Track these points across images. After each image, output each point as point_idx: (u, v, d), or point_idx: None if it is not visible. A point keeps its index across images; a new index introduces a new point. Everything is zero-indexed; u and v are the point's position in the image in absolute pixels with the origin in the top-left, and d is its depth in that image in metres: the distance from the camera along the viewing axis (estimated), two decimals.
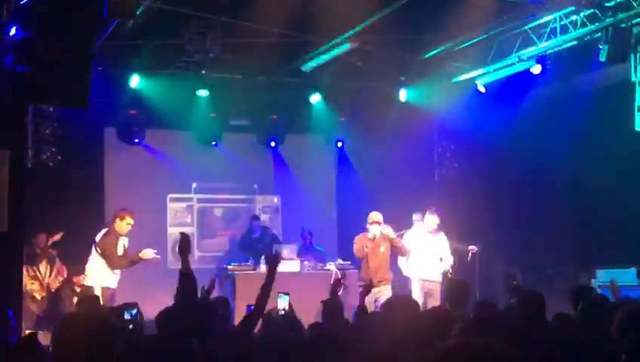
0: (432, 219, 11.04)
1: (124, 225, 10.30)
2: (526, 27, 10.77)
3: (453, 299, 6.79)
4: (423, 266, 11.03)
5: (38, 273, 11.22)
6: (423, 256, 11.05)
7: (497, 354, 2.06)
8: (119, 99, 12.76)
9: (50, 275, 11.31)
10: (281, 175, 15.01)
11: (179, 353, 3.36)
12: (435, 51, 11.71)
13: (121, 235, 10.34)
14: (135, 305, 6.17)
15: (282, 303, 6.07)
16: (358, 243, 10.80)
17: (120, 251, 10.35)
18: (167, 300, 6.24)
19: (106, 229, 10.38)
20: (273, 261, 5.80)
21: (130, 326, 5.80)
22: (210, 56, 10.99)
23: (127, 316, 5.95)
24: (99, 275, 10.19)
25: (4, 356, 3.38)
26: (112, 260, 10.14)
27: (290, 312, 6.11)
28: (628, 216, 10.95)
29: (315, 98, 13.41)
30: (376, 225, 10.68)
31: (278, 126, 14.59)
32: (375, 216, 10.76)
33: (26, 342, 3.80)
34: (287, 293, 6.21)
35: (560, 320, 5.55)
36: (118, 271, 10.32)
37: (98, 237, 10.29)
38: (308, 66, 11.99)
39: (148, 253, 10.42)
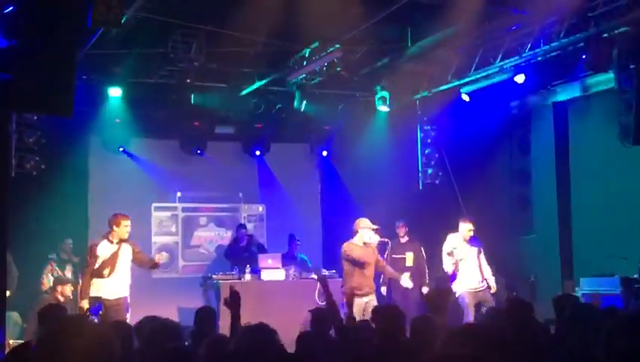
0: (466, 227, 10.74)
1: (122, 229, 9.97)
2: (509, 36, 10.84)
3: (436, 306, 6.83)
4: (470, 277, 10.62)
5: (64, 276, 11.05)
6: (467, 265, 10.66)
7: None
8: (104, 107, 12.72)
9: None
10: (266, 184, 15.02)
11: None
12: (419, 60, 11.75)
13: (123, 241, 10.01)
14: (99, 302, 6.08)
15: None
16: (358, 250, 10.12)
17: (105, 257, 9.93)
18: (151, 310, 6.23)
19: (104, 240, 9.97)
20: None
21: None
22: (195, 65, 10.99)
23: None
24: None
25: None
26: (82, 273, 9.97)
27: None
28: (612, 226, 11.02)
29: (300, 107, 13.42)
30: (370, 231, 10.33)
31: (262, 135, 14.61)
32: (368, 221, 10.51)
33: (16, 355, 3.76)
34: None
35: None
36: (113, 280, 9.94)
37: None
38: (292, 76, 12.01)
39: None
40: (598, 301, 8.01)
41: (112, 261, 9.92)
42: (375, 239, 10.20)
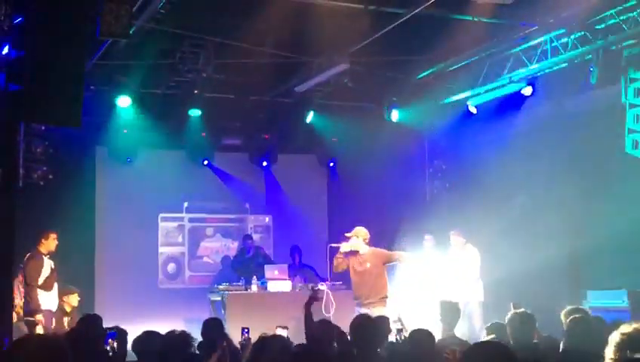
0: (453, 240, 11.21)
1: (50, 241, 10.43)
2: (517, 49, 10.84)
3: (447, 319, 6.83)
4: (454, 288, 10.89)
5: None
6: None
7: None
8: (111, 118, 12.75)
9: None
10: (273, 194, 15.02)
11: None
12: (427, 72, 11.77)
13: (48, 254, 10.43)
14: (116, 330, 6.09)
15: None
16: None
17: (47, 272, 10.36)
18: (157, 321, 6.22)
19: (29, 254, 10.38)
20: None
21: (110, 354, 5.72)
22: (203, 76, 11.02)
23: (108, 343, 5.88)
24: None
25: None
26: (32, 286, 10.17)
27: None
28: (619, 239, 10.97)
29: (308, 118, 13.45)
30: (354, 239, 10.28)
31: (270, 145, 14.62)
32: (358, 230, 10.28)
33: None
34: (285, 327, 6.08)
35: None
36: (54, 292, 10.47)
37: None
38: (300, 87, 12.03)
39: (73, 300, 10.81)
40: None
41: (53, 273, 10.39)
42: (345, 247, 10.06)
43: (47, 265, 10.43)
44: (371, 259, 10.00)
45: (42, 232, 10.46)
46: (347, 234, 10.07)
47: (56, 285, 10.62)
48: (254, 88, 12.60)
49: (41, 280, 10.28)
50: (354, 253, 10.03)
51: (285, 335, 6.25)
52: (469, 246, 11.47)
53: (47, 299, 10.38)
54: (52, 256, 10.65)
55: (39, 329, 9.83)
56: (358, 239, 10.03)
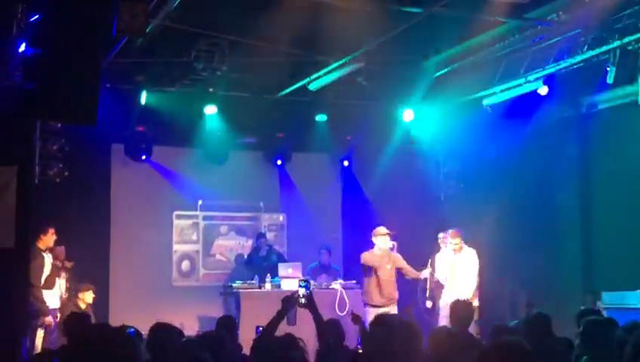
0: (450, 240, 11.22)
1: (49, 237, 10.45)
2: (533, 48, 10.79)
3: (458, 319, 6.80)
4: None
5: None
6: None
7: None
8: (127, 115, 12.79)
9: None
10: (287, 193, 15.03)
11: None
12: (442, 71, 11.74)
13: (47, 250, 10.45)
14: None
15: (302, 291, 5.66)
16: (368, 256, 10.64)
17: (47, 270, 10.38)
18: (171, 318, 6.22)
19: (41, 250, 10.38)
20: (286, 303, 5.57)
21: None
22: (218, 74, 11.04)
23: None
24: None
25: None
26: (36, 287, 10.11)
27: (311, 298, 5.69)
28: (635, 239, 10.92)
29: (322, 117, 13.45)
30: (383, 236, 10.57)
31: (284, 144, 14.63)
32: (382, 228, 10.70)
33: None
34: (306, 281, 5.86)
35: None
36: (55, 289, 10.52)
37: None
38: (315, 85, 12.03)
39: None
40: None
41: (53, 270, 10.43)
42: (387, 243, 10.33)
43: (47, 262, 10.43)
44: (388, 258, 10.60)
45: (41, 228, 10.40)
46: (387, 232, 10.54)
47: (58, 281, 10.61)
48: (269, 87, 12.61)
49: (42, 279, 10.28)
50: (381, 250, 10.52)
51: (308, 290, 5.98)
52: (466, 248, 11.35)
53: (50, 298, 10.37)
54: (66, 257, 10.72)
55: (40, 333, 9.85)
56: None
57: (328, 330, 5.66)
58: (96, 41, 7.05)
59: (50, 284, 10.36)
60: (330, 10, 9.07)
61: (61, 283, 10.89)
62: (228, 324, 6.67)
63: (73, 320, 6.79)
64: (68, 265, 11.25)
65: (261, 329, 5.62)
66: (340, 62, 11.08)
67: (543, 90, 11.10)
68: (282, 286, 11.73)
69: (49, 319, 10.12)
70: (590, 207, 12.05)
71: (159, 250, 14.19)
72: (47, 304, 10.22)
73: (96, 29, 7.03)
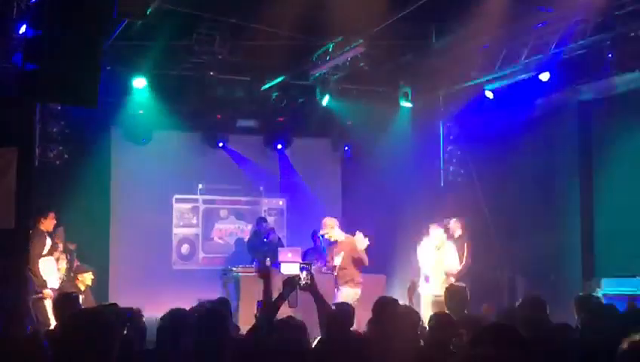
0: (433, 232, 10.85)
1: (49, 220, 10.49)
2: (535, 34, 10.75)
3: (454, 304, 6.80)
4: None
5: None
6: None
7: None
8: (127, 99, 12.78)
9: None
10: (287, 177, 15.04)
11: None
12: (443, 56, 11.70)
13: (48, 232, 10.51)
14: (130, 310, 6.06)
15: (304, 274, 5.67)
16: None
17: (46, 251, 10.41)
18: (171, 301, 6.25)
19: (31, 231, 10.20)
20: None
21: (125, 332, 5.69)
22: (218, 58, 11.01)
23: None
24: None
25: (12, 351, 3.41)
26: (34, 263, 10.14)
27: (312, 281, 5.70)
28: (635, 226, 10.93)
29: (323, 102, 13.42)
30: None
31: (284, 128, 14.63)
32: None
33: (31, 341, 3.81)
34: (308, 264, 5.89)
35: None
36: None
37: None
38: (316, 70, 12.00)
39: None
40: (634, 302, 7.96)
41: (51, 251, 10.50)
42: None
43: (48, 243, 10.46)
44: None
45: (42, 211, 10.42)
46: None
47: (55, 263, 10.62)
48: (270, 71, 12.58)
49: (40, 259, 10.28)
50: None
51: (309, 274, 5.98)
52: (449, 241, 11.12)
53: (49, 278, 10.36)
54: (66, 238, 10.74)
55: (48, 304, 9.82)
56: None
57: (337, 315, 5.67)
58: (98, 23, 7.03)
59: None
60: None
61: (61, 265, 10.87)
62: (224, 304, 6.67)
63: (61, 302, 6.77)
64: (72, 246, 11.27)
65: (262, 303, 5.65)
66: (342, 47, 11.05)
67: (544, 76, 11.07)
68: (282, 270, 11.73)
69: (48, 291, 10.10)
70: (591, 193, 12.05)
71: (159, 233, 14.22)
72: (48, 284, 10.24)
73: (97, 11, 7.01)
